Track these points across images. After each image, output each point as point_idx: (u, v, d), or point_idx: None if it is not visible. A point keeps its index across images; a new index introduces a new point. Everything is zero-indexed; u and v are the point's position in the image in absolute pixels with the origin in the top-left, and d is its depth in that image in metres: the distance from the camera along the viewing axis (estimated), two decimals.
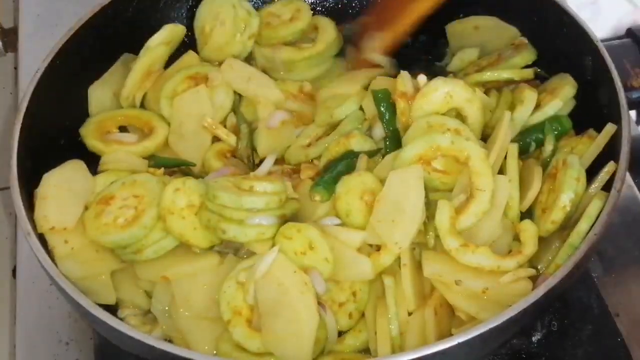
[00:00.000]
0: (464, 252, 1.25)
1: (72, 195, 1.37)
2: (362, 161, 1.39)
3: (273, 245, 1.28)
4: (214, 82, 1.55)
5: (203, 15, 1.65)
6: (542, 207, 1.33)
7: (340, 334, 1.30)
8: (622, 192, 1.26)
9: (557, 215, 1.29)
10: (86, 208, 1.37)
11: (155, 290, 1.32)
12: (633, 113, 1.73)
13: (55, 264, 1.28)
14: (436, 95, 1.39)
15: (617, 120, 1.33)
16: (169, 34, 1.60)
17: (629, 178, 1.59)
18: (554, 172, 1.34)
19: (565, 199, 1.28)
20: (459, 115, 1.42)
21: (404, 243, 1.26)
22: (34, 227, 1.30)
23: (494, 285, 1.23)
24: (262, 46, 1.66)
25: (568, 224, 1.30)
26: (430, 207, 1.31)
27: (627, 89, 1.40)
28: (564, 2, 1.51)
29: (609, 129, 1.35)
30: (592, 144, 1.36)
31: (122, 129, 1.55)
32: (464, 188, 1.31)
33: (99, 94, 1.57)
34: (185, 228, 1.31)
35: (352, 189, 1.33)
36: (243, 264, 1.27)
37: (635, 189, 1.60)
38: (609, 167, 1.30)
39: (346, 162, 1.39)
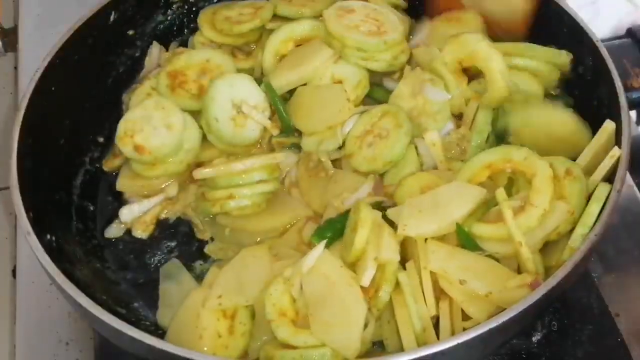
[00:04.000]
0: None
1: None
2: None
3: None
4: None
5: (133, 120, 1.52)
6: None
7: None
8: (622, 192, 1.26)
9: (565, 228, 1.29)
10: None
11: None
12: (633, 113, 1.73)
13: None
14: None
15: (617, 120, 1.33)
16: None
17: (629, 178, 1.59)
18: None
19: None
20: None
21: (409, 231, 1.27)
22: (34, 226, 1.30)
23: (498, 289, 1.23)
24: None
25: None
26: None
27: (627, 89, 1.40)
28: (564, 2, 1.51)
29: (608, 126, 1.34)
30: (590, 141, 1.36)
31: None
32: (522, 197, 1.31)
33: None
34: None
35: (413, 184, 1.38)
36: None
37: (635, 189, 1.60)
38: (614, 152, 1.30)
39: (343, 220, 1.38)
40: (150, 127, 1.48)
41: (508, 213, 1.27)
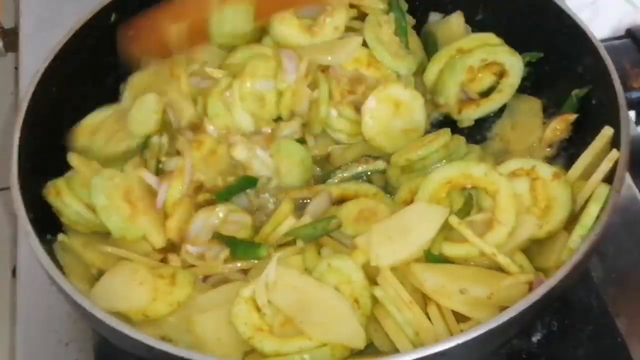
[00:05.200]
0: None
1: None
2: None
3: None
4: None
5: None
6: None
7: None
8: (621, 192, 1.26)
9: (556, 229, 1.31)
10: None
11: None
12: (632, 113, 1.73)
13: None
14: None
15: (616, 120, 1.33)
16: None
17: (628, 178, 1.58)
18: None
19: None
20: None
21: (383, 261, 1.27)
22: (35, 226, 1.30)
23: (498, 289, 1.23)
24: None
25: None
26: None
27: (627, 89, 1.40)
28: (563, 3, 1.51)
29: (606, 132, 1.34)
30: (588, 147, 1.36)
31: None
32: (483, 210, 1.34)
33: None
34: None
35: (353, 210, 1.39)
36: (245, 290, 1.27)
37: (635, 189, 1.60)
38: (612, 155, 1.30)
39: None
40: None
41: (470, 234, 1.28)
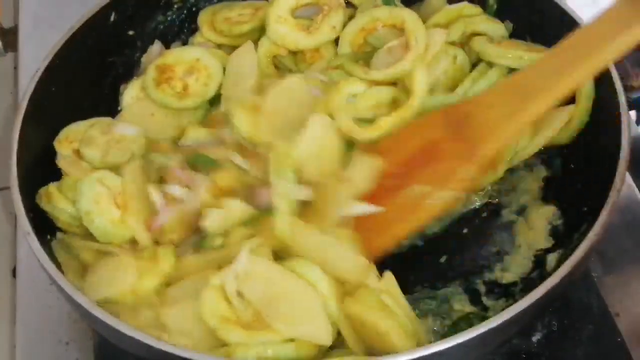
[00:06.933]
0: None
1: None
2: None
3: None
4: None
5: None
6: None
7: None
8: (622, 192, 1.26)
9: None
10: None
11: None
12: (633, 113, 1.73)
13: None
14: None
15: (616, 120, 1.33)
16: None
17: (629, 178, 1.59)
18: None
19: None
20: None
21: None
22: (34, 226, 1.30)
23: None
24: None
25: None
26: None
27: (627, 89, 1.40)
28: (564, 2, 1.51)
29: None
30: None
31: None
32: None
33: None
34: None
35: None
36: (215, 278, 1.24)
37: (635, 189, 1.60)
38: None
39: None
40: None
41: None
